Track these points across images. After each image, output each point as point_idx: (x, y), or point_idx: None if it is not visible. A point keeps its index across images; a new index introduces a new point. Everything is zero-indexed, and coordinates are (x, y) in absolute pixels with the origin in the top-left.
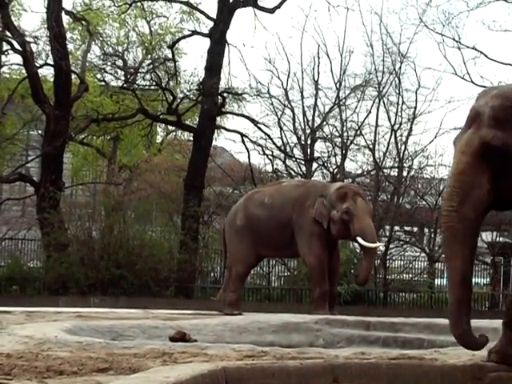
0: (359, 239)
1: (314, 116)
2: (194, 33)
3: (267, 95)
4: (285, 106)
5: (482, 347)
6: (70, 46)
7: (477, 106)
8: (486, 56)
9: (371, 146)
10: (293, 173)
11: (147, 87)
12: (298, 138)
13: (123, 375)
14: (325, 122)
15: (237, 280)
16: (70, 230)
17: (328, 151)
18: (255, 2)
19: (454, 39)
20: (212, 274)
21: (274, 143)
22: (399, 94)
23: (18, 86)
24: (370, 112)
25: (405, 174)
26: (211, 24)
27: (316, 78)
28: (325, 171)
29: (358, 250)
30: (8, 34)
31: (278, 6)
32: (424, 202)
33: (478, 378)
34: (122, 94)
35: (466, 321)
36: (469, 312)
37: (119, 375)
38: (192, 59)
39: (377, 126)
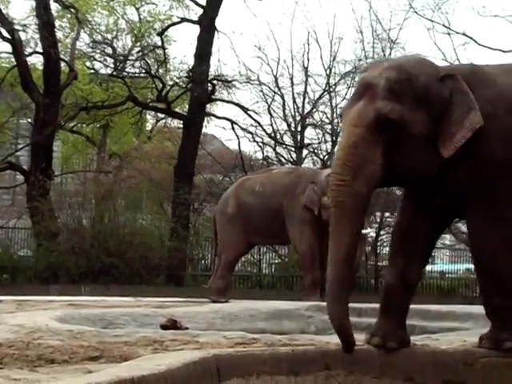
0: None
1: (304, 103)
2: (184, 20)
3: (257, 82)
4: (275, 92)
5: (351, 337)
6: (59, 34)
7: (368, 77)
8: (475, 42)
9: None
10: (283, 160)
11: (137, 75)
12: (288, 125)
13: (114, 363)
14: (315, 109)
15: (225, 267)
16: (61, 218)
17: (318, 138)
18: None
19: (443, 25)
20: (203, 262)
21: (264, 130)
22: None
23: (7, 74)
24: None
25: None
26: (200, 11)
27: (306, 65)
28: (315, 158)
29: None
30: None
31: None
32: None
33: (470, 364)
34: (112, 82)
35: (345, 302)
36: (349, 293)
37: (110, 363)
38: (181, 46)
39: None
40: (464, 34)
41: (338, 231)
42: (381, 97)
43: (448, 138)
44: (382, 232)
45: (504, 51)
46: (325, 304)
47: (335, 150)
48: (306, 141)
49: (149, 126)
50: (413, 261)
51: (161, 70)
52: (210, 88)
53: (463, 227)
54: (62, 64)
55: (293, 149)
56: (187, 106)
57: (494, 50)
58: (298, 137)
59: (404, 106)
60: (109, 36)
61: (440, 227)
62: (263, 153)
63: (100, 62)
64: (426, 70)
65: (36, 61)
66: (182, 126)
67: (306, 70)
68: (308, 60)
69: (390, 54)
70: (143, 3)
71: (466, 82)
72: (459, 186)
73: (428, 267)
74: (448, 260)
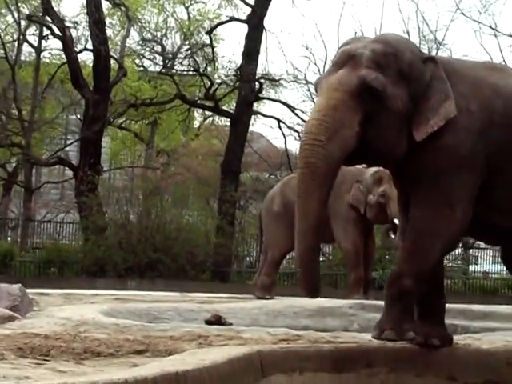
0: (396, 221)
1: None
2: (232, 19)
3: (304, 81)
4: None
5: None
6: (109, 32)
7: (351, 49)
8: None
9: None
10: None
11: (185, 73)
12: None
13: (159, 357)
14: None
15: (271, 264)
16: (108, 213)
17: None
18: None
19: (490, 27)
20: (248, 259)
21: None
22: None
23: (58, 70)
24: None
25: None
26: (249, 10)
27: None
28: None
29: (392, 236)
30: (48, 19)
31: None
32: None
33: None
34: (160, 79)
35: (317, 270)
36: (319, 261)
37: (155, 357)
38: (229, 45)
39: None
40: (511, 36)
41: (305, 196)
42: (365, 66)
43: (423, 121)
44: None
45: None
46: (368, 302)
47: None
48: None
49: (196, 124)
50: None
51: (209, 69)
52: (257, 87)
53: None
54: (112, 61)
55: None
56: (234, 104)
57: None
58: None
59: (387, 79)
60: (158, 34)
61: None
62: None
63: (149, 59)
64: (412, 48)
65: (86, 58)
66: (229, 123)
67: None
68: None
69: (436, 54)
70: (193, 2)
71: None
72: (418, 172)
73: (471, 267)
74: (491, 260)
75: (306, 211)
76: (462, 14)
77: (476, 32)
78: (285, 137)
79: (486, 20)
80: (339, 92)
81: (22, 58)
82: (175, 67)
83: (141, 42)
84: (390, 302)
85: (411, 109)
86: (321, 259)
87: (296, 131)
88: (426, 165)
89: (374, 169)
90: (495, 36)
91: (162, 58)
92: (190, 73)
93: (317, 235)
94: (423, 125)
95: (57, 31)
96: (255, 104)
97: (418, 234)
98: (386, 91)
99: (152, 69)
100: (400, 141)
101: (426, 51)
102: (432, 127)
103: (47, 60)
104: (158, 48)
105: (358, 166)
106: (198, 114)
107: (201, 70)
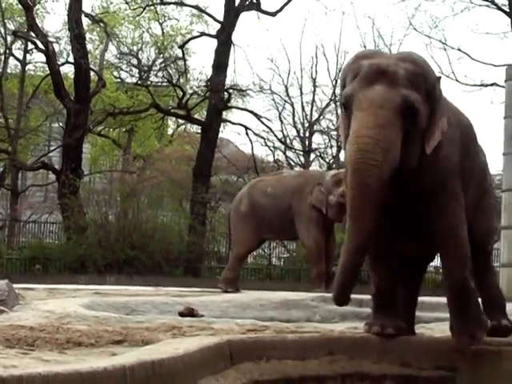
0: None
1: (311, 111)
2: (203, 34)
3: (269, 91)
4: (285, 101)
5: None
6: (89, 46)
7: (381, 64)
8: (469, 56)
9: None
10: (292, 163)
11: (159, 84)
12: (297, 131)
13: (136, 347)
14: (322, 117)
15: (236, 260)
16: (89, 214)
17: (325, 143)
18: (258, 6)
19: (440, 41)
20: (218, 255)
21: (275, 135)
22: None
23: (42, 82)
24: None
25: None
26: (218, 26)
27: (314, 76)
28: (322, 161)
29: None
30: (32, 34)
31: (280, 10)
32: None
33: (461, 351)
34: (136, 90)
35: (353, 286)
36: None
37: (133, 347)
38: (200, 58)
39: None
40: (459, 50)
41: (359, 216)
42: (402, 85)
43: (431, 135)
44: None
45: (495, 65)
46: (329, 295)
47: (343, 150)
48: (314, 146)
49: (170, 131)
50: None
51: (181, 80)
52: (226, 96)
53: None
54: (92, 73)
55: (301, 153)
56: (205, 113)
57: (486, 64)
58: (306, 142)
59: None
60: (134, 48)
61: None
62: (274, 156)
63: (126, 71)
64: (432, 69)
65: (68, 70)
66: (200, 131)
67: (314, 80)
68: (316, 72)
69: None
70: (166, 19)
71: None
72: (431, 182)
73: None
74: None
75: (358, 230)
76: (414, 29)
77: (427, 46)
78: (252, 143)
79: (436, 35)
80: (385, 110)
81: (8, 70)
82: (150, 79)
83: (118, 56)
84: (462, 307)
85: (427, 124)
86: (285, 255)
87: (262, 137)
88: (437, 175)
89: (333, 171)
90: (445, 50)
91: (137, 71)
92: (164, 84)
93: (364, 254)
94: (431, 138)
95: (41, 46)
96: (224, 112)
97: (458, 240)
98: (421, 111)
99: (129, 80)
100: (416, 156)
101: None
102: (436, 140)
103: (32, 72)
104: (135, 61)
105: (318, 169)
106: (171, 122)
107: (174, 82)
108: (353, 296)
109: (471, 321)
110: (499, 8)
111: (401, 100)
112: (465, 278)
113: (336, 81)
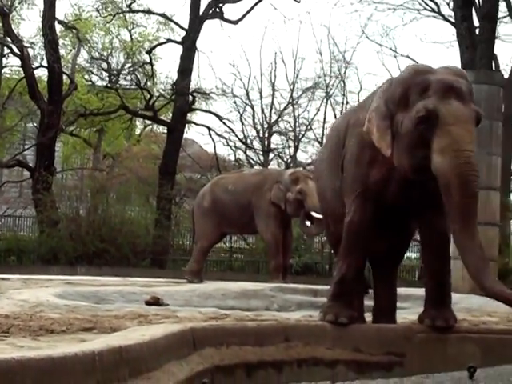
0: (313, 213)
1: (270, 113)
2: (169, 40)
3: (231, 95)
4: (246, 104)
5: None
6: (62, 51)
7: (452, 80)
8: (417, 63)
9: (320, 139)
10: (252, 162)
11: (128, 87)
12: (257, 132)
13: (105, 334)
14: (280, 119)
15: (200, 253)
16: (61, 208)
17: (283, 143)
18: (221, 15)
19: (391, 49)
20: (182, 248)
21: (236, 136)
22: (344, 95)
23: (17, 84)
24: (318, 110)
25: None
26: (183, 33)
27: (273, 81)
28: (280, 161)
29: (308, 223)
30: (8, 39)
31: (241, 19)
32: None
33: (409, 338)
34: (106, 93)
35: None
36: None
37: (102, 334)
38: (166, 63)
39: (324, 122)
40: (408, 57)
41: (475, 223)
42: (469, 100)
43: None
44: None
45: None
46: (286, 285)
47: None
48: (272, 146)
49: (137, 131)
50: None
51: (149, 83)
52: (190, 99)
53: None
54: (64, 77)
55: (261, 152)
56: (171, 114)
57: None
58: (266, 142)
59: None
60: (105, 53)
61: None
62: (235, 155)
63: (97, 75)
64: None
65: (42, 73)
66: (166, 131)
67: (273, 85)
68: (275, 76)
69: (344, 72)
70: (134, 26)
71: None
72: (435, 186)
73: None
74: None
75: (476, 230)
76: (367, 37)
77: (378, 53)
78: (214, 143)
79: (386, 43)
80: (471, 125)
81: None
82: (119, 82)
83: (89, 60)
84: (442, 296)
85: None
86: (245, 247)
87: (224, 138)
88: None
89: (290, 170)
90: (395, 57)
91: (107, 74)
92: (132, 87)
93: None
94: None
95: (16, 50)
96: (189, 114)
97: (446, 237)
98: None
99: (99, 83)
100: None
101: (335, 69)
102: None
103: (8, 75)
104: (105, 65)
105: (277, 168)
106: (139, 123)
107: (142, 85)
108: (308, 286)
109: (448, 309)
110: (445, 19)
111: (475, 115)
112: (450, 271)
113: (293, 85)
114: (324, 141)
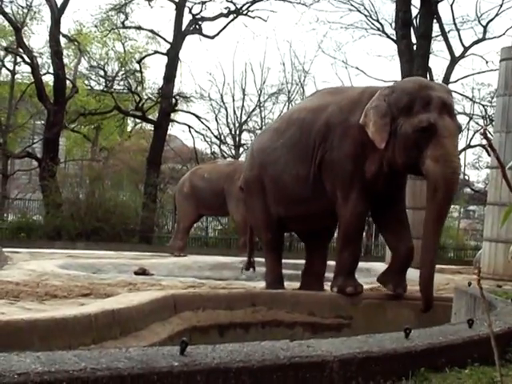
0: None
1: (241, 114)
2: (156, 52)
3: (208, 98)
4: (220, 106)
5: None
6: (66, 60)
7: (446, 99)
8: (365, 73)
9: None
10: (225, 155)
11: (121, 91)
12: (230, 130)
13: (100, 299)
14: (249, 119)
15: (183, 232)
16: (64, 193)
17: (251, 139)
18: (200, 31)
19: (342, 61)
20: (166, 227)
21: (212, 133)
22: (303, 99)
23: (27, 88)
24: (281, 112)
25: None
26: (168, 46)
27: (243, 87)
28: None
29: None
30: (21, 50)
31: (217, 34)
32: None
33: (355, 304)
34: (103, 96)
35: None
36: None
37: (97, 299)
38: (154, 71)
39: None
40: (357, 68)
41: (444, 218)
42: (454, 115)
43: None
44: None
45: (385, 81)
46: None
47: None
48: (243, 141)
49: (129, 128)
50: None
51: (139, 88)
52: (173, 102)
53: None
54: (67, 82)
55: (233, 147)
56: (157, 114)
57: (378, 80)
58: (237, 138)
59: None
60: (102, 62)
61: None
62: (211, 149)
63: (95, 81)
64: None
65: (48, 79)
66: (153, 128)
67: (243, 90)
68: (245, 83)
69: (303, 80)
70: (127, 39)
71: None
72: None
73: None
74: None
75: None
76: (323, 51)
77: (332, 65)
78: (193, 138)
79: (339, 56)
80: (457, 137)
81: (1, 78)
82: (114, 87)
83: (89, 68)
84: (405, 268)
85: None
86: (219, 227)
87: (202, 134)
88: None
89: None
90: (346, 68)
91: (104, 80)
92: (125, 91)
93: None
94: None
95: (27, 59)
96: (172, 114)
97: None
98: None
99: (97, 88)
100: None
101: (296, 78)
102: None
103: (19, 80)
104: (101, 72)
105: None
106: (130, 121)
107: (133, 89)
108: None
109: (404, 279)
110: (388, 37)
111: (458, 129)
112: (413, 246)
113: (261, 90)
114: (274, 131)
